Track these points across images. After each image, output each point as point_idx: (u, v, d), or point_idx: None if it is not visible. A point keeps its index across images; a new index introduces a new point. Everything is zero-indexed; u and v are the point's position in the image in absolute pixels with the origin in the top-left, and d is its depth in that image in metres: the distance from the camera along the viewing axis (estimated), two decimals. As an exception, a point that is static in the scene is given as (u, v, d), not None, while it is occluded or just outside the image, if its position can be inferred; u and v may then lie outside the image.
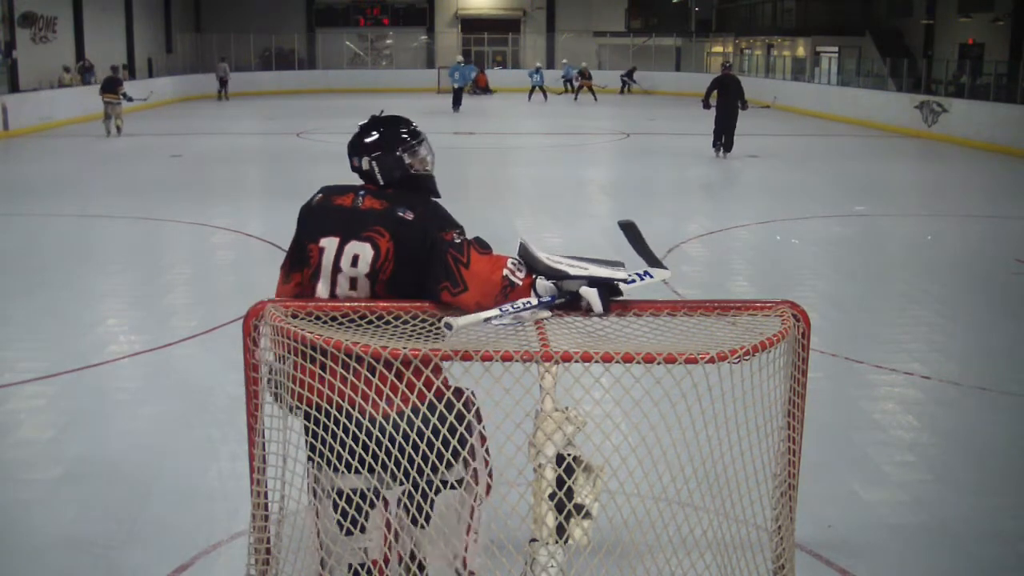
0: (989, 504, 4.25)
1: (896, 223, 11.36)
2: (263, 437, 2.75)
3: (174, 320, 6.98)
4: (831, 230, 10.70)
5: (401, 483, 2.65)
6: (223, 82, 31.03)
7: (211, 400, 5.28)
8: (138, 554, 3.72)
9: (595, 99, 30.77)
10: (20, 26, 24.31)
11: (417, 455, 2.52)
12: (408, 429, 2.51)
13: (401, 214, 2.74)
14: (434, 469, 2.54)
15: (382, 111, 3.07)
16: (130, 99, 19.49)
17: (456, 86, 26.31)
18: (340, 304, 2.70)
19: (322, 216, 2.84)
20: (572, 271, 2.64)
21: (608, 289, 2.63)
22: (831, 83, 27.28)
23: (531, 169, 15.77)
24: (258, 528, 2.81)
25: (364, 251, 2.73)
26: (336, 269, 2.77)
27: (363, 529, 2.75)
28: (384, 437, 2.54)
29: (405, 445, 2.52)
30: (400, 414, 2.54)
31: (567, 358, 2.35)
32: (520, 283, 2.66)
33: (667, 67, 37.03)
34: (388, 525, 2.81)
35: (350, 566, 2.80)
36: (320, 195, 2.91)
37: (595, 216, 11.43)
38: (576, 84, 32.18)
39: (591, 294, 2.62)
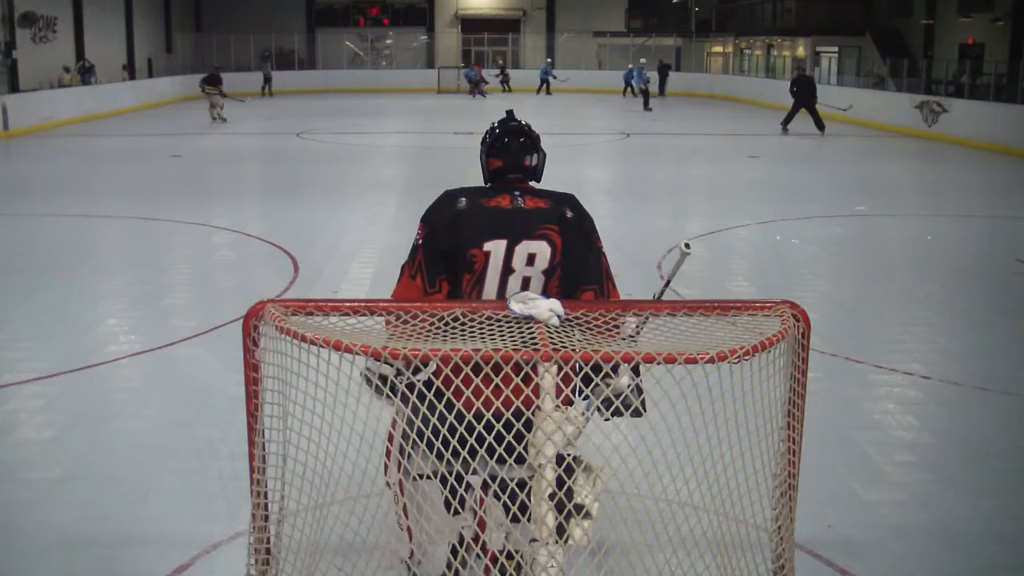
0: (989, 504, 4.25)
1: (896, 223, 11.36)
2: (263, 437, 2.74)
3: (174, 320, 6.98)
4: (831, 230, 10.70)
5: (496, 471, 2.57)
6: (267, 79, 31.93)
7: (211, 400, 5.28)
8: (138, 554, 3.72)
9: (509, 90, 33.56)
10: (20, 26, 24.30)
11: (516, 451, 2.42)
12: (519, 425, 2.41)
13: (565, 212, 2.86)
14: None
15: (510, 111, 3.17)
16: (224, 95, 22.45)
17: (641, 87, 28.54)
18: (340, 303, 2.69)
19: (479, 220, 2.80)
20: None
21: None
22: (831, 83, 27.28)
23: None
24: (258, 528, 2.81)
25: (541, 249, 2.79)
26: (508, 270, 2.77)
27: (466, 509, 2.82)
28: (488, 432, 2.41)
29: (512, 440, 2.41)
30: (517, 412, 2.42)
31: (567, 358, 2.35)
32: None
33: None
34: (481, 503, 2.88)
35: (452, 544, 2.84)
36: (464, 199, 2.84)
37: (595, 216, 11.40)
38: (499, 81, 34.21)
39: None
